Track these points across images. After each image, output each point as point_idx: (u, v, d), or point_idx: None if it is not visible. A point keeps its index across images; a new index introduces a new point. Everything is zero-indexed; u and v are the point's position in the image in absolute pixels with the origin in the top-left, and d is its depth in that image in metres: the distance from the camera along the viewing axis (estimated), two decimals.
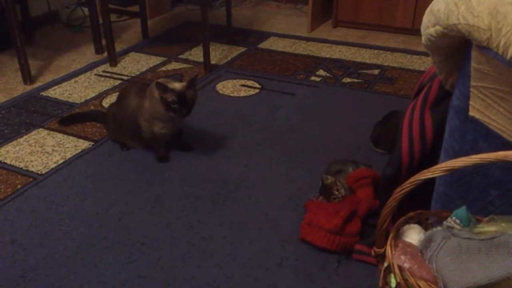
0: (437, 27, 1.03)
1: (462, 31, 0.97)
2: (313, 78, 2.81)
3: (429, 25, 1.06)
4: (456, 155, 1.12)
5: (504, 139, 1.04)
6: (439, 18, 1.02)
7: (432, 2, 1.07)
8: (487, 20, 0.93)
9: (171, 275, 1.50)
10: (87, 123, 2.34)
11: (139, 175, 1.98)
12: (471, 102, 1.07)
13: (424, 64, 2.96)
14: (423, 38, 1.11)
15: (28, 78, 2.75)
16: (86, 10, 3.64)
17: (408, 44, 3.28)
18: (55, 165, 2.04)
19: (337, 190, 1.71)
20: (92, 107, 2.50)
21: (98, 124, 2.32)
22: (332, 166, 1.88)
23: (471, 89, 1.07)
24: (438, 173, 0.92)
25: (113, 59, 2.98)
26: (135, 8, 3.48)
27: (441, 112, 1.31)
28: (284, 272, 1.51)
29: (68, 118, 2.36)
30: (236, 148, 2.14)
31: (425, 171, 0.93)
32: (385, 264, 1.00)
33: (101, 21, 2.99)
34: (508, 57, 0.91)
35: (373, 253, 1.05)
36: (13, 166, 2.03)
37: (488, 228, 1.01)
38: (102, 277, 1.50)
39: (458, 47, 1.09)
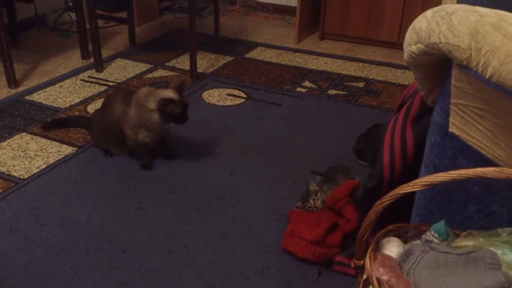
0: (419, 45, 1.06)
1: (443, 50, 1.00)
2: (299, 89, 2.83)
3: (411, 43, 1.09)
4: (436, 170, 1.15)
5: (483, 156, 1.07)
6: (421, 36, 1.04)
7: (415, 20, 1.09)
8: (467, 40, 0.95)
9: (152, 283, 1.50)
10: (71, 129, 2.33)
11: (122, 182, 1.97)
12: (451, 119, 1.10)
13: (408, 78, 3.01)
14: (405, 55, 1.13)
15: (12, 81, 2.73)
16: (73, 15, 3.63)
17: (393, 58, 3.33)
18: (38, 170, 2.02)
19: (314, 200, 1.73)
20: (76, 113, 2.48)
21: (82, 130, 2.31)
22: (328, 173, 1.89)
23: (451, 106, 1.09)
24: (418, 187, 0.94)
25: (99, 65, 2.97)
26: (123, 15, 3.48)
27: (422, 127, 1.34)
28: (265, 282, 1.52)
29: (52, 123, 2.35)
30: (220, 157, 2.15)
31: (405, 185, 0.95)
32: (364, 276, 1.02)
33: (88, 27, 2.98)
34: (487, 77, 0.94)
35: (352, 265, 1.06)
36: None
37: (466, 242, 1.03)
38: (83, 284, 1.49)
39: (439, 65, 1.12)
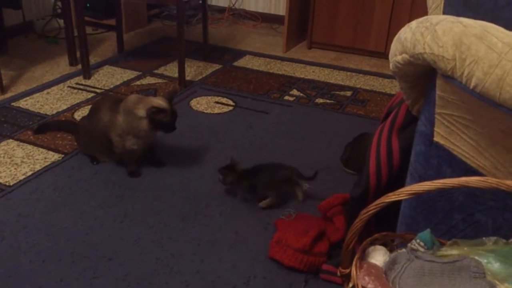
0: (404, 55, 1.07)
1: (428, 60, 1.01)
2: (286, 97, 2.84)
3: (396, 53, 1.10)
4: (421, 179, 1.16)
5: (468, 165, 1.08)
6: (406, 46, 1.06)
7: (400, 31, 1.11)
8: (451, 50, 0.97)
9: None
10: (58, 135, 2.31)
11: (108, 189, 1.96)
12: (435, 128, 1.11)
13: (395, 87, 3.04)
14: (390, 65, 1.15)
15: None
16: (61, 21, 3.61)
17: (381, 67, 3.36)
18: (24, 177, 2.00)
19: (223, 175, 1.88)
20: (63, 119, 2.47)
21: (69, 137, 2.29)
22: (282, 169, 1.92)
23: (436, 116, 1.10)
24: (403, 196, 0.95)
25: (87, 72, 2.96)
26: (112, 22, 3.48)
27: (407, 137, 1.35)
28: None
29: (43, 127, 2.34)
30: (208, 164, 2.15)
31: (390, 194, 0.96)
32: (350, 285, 1.02)
33: (76, 33, 2.97)
34: (471, 87, 0.95)
35: (338, 273, 1.07)
36: None
37: (451, 251, 1.04)
38: None
39: (424, 75, 1.13)
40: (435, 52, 0.99)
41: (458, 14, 1.03)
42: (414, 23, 1.06)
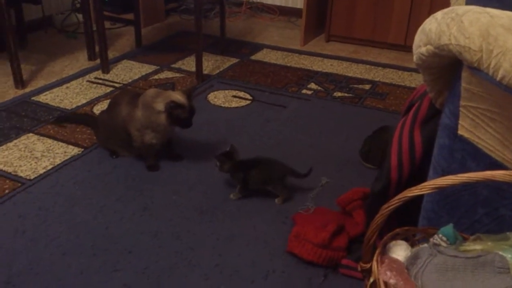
0: (429, 47, 1.05)
1: (453, 52, 0.99)
2: (304, 91, 2.82)
3: (420, 44, 1.08)
4: (445, 173, 1.14)
5: (493, 159, 1.06)
6: (430, 38, 1.03)
7: (424, 22, 1.09)
8: (478, 41, 0.94)
9: (156, 285, 1.50)
10: (77, 129, 2.33)
11: (128, 183, 1.97)
12: (460, 121, 1.09)
13: (415, 80, 3.00)
14: (414, 57, 1.12)
15: (20, 82, 2.74)
16: (80, 16, 3.64)
17: (400, 60, 3.32)
18: (44, 170, 2.02)
19: (220, 162, 1.86)
20: (82, 113, 2.49)
21: (88, 131, 2.31)
22: (277, 166, 1.90)
23: (461, 109, 1.08)
24: (426, 190, 0.93)
25: (106, 66, 2.98)
26: (130, 16, 3.49)
27: (430, 130, 1.33)
28: (270, 285, 1.51)
29: (62, 118, 2.38)
30: None
31: (413, 188, 0.94)
32: (371, 280, 1.01)
33: (95, 28, 2.99)
34: (498, 79, 0.93)
35: (359, 268, 1.05)
36: (1, 170, 2.02)
37: (474, 246, 1.02)
38: (88, 285, 1.48)
39: (449, 66, 1.11)
40: (461, 43, 0.96)
41: (483, 4, 1.01)
42: (439, 14, 1.04)
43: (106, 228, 1.72)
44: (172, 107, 1.87)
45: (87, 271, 1.53)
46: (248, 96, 2.74)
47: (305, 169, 1.90)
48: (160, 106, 1.90)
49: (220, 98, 2.71)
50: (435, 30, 1.02)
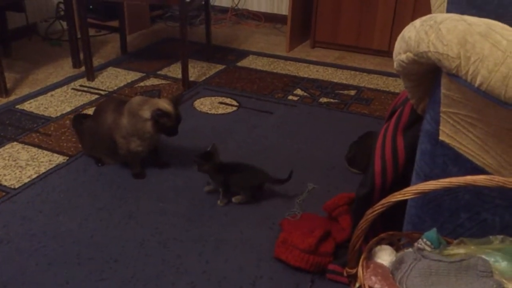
0: (408, 54, 1.07)
1: (432, 59, 1.01)
2: (290, 97, 2.84)
3: (400, 52, 1.10)
4: (427, 178, 1.15)
5: (474, 164, 1.08)
6: (410, 45, 1.05)
7: (404, 29, 1.10)
8: (456, 48, 0.96)
9: None
10: (62, 138, 2.32)
11: (113, 191, 1.97)
12: (441, 127, 1.11)
13: (400, 86, 3.03)
14: (395, 63, 1.14)
15: (3, 90, 2.72)
16: (64, 24, 3.62)
17: (385, 66, 3.35)
18: (29, 179, 2.01)
19: (198, 163, 1.86)
20: (67, 122, 2.47)
21: (74, 139, 2.30)
22: (256, 173, 1.91)
23: (441, 115, 1.10)
24: (409, 195, 0.95)
25: (91, 74, 2.97)
26: (115, 23, 3.48)
27: (413, 135, 1.34)
28: None
29: (78, 117, 2.26)
30: None
31: (396, 193, 0.95)
32: (357, 285, 1.02)
33: (79, 35, 2.98)
34: (476, 85, 0.95)
35: (345, 274, 1.07)
36: None
37: (458, 250, 1.03)
38: None
39: (428, 73, 1.13)
40: (440, 51, 0.98)
41: (461, 12, 1.03)
42: (418, 22, 1.06)
43: (91, 236, 1.71)
44: (159, 115, 1.87)
45: (73, 281, 1.52)
46: (234, 103, 2.75)
47: (293, 175, 1.90)
48: (146, 113, 1.89)
49: (207, 104, 2.72)
50: (414, 37, 1.03)
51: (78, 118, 2.25)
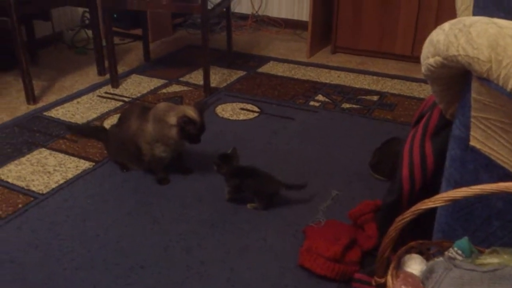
0: (437, 58, 1.05)
1: (462, 63, 0.99)
2: (312, 103, 2.83)
3: (428, 56, 1.08)
4: (457, 184, 1.13)
5: (506, 170, 1.05)
6: (438, 49, 1.04)
7: (432, 33, 1.09)
8: (487, 52, 0.95)
9: None
10: (89, 144, 2.35)
11: (138, 197, 1.98)
12: (471, 133, 1.09)
13: (424, 91, 2.99)
14: (422, 68, 1.13)
15: (31, 98, 2.77)
16: (89, 32, 3.68)
17: (408, 71, 3.32)
18: (56, 185, 2.04)
19: (217, 164, 1.87)
20: (94, 126, 2.50)
21: (99, 145, 2.32)
22: (271, 181, 1.90)
23: (472, 120, 1.08)
24: (440, 203, 0.93)
25: (115, 81, 3.00)
26: (138, 31, 3.52)
27: (441, 141, 1.32)
28: None
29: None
30: None
31: (426, 200, 0.94)
32: None
33: (104, 43, 3.02)
34: (508, 89, 0.93)
35: (373, 283, 1.05)
36: (14, 185, 2.03)
37: (491, 260, 1.01)
38: None
39: (458, 77, 1.11)
40: (470, 54, 0.97)
41: (489, 15, 1.01)
42: (447, 25, 1.05)
43: (117, 242, 1.73)
44: (185, 122, 1.89)
45: (99, 286, 1.54)
46: (255, 109, 2.75)
47: (316, 182, 1.89)
48: (172, 120, 1.91)
49: (228, 110, 2.72)
50: (443, 41, 1.02)
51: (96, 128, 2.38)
